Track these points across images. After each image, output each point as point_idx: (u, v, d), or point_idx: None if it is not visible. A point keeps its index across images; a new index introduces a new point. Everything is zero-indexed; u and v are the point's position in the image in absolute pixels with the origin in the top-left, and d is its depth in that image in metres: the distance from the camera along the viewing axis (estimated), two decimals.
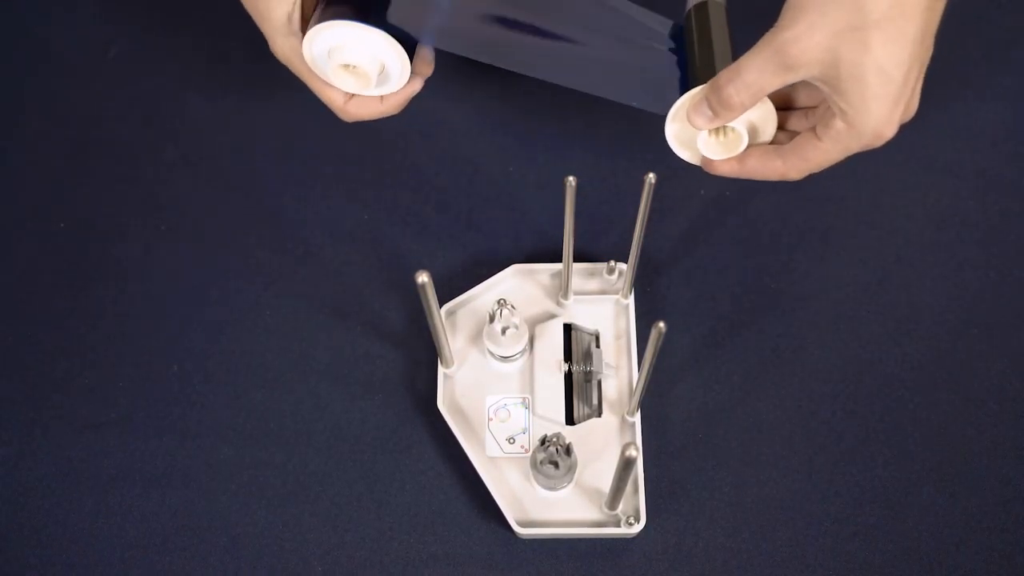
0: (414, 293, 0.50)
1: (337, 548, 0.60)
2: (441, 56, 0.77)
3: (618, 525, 0.58)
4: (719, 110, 0.50)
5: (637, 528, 0.58)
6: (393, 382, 0.64)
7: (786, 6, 0.48)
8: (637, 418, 0.61)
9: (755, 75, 0.48)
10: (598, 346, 0.64)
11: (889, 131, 0.49)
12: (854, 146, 0.51)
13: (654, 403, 0.63)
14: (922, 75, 0.51)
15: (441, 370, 0.62)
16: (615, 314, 0.65)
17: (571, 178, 0.52)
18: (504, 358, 0.62)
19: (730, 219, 0.69)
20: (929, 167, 0.71)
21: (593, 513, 0.59)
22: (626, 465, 0.51)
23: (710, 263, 0.68)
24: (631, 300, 0.65)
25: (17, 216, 0.71)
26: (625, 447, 0.47)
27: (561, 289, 0.65)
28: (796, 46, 0.46)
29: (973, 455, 0.62)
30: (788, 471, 0.61)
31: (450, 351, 0.61)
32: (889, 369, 0.65)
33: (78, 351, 0.66)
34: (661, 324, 0.48)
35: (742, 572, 0.59)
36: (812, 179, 0.71)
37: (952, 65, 0.76)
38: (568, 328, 0.64)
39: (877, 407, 0.63)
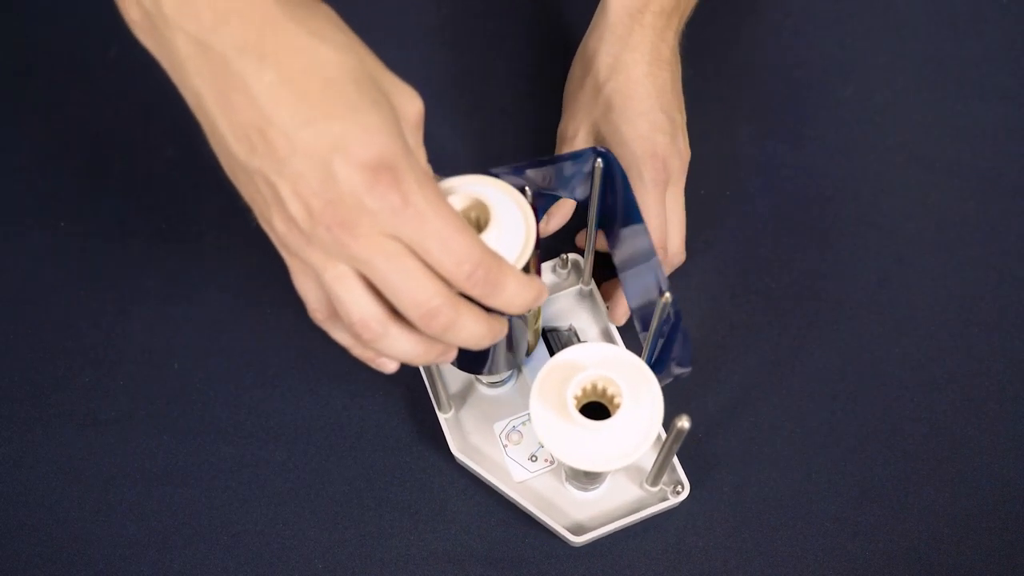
0: None
1: (338, 546, 0.60)
2: (441, 50, 0.77)
3: (665, 498, 0.58)
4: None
5: (684, 495, 0.58)
6: (393, 379, 0.64)
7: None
8: None
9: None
10: (579, 339, 0.64)
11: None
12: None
13: None
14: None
15: (441, 417, 0.61)
16: (579, 303, 0.65)
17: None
18: (494, 384, 0.62)
19: (729, 219, 0.69)
20: (929, 167, 0.71)
21: (635, 494, 0.59)
22: (676, 437, 0.49)
23: (709, 263, 0.68)
24: (592, 285, 0.65)
25: (17, 215, 0.71)
26: (677, 418, 0.47)
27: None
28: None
29: (973, 455, 0.62)
30: (788, 471, 0.62)
31: (446, 395, 0.60)
32: (889, 369, 0.65)
33: (78, 349, 0.66)
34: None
35: (742, 572, 0.59)
36: (811, 179, 0.71)
37: (952, 65, 0.76)
38: (545, 332, 0.63)
39: (877, 407, 0.63)
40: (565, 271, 0.65)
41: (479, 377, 0.61)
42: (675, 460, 0.59)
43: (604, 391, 0.49)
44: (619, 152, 0.60)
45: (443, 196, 0.40)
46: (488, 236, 0.45)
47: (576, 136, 0.64)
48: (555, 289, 0.65)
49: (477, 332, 0.42)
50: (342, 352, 0.65)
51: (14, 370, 0.65)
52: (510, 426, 0.61)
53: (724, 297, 0.67)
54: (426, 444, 0.62)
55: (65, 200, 0.71)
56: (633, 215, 0.53)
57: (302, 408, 0.64)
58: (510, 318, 0.48)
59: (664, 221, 0.61)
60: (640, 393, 0.48)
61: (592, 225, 0.57)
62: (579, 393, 0.48)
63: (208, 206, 0.70)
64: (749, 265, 0.68)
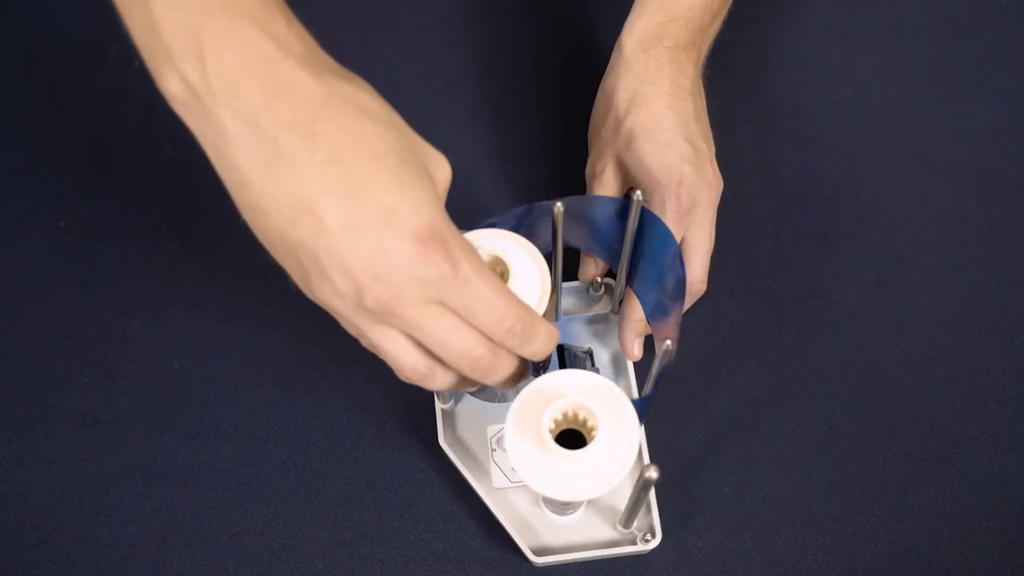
0: None
1: (337, 546, 0.60)
2: (441, 50, 0.77)
3: (634, 543, 0.57)
4: None
5: (654, 544, 0.57)
6: (392, 379, 0.64)
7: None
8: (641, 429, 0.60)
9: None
10: (594, 364, 0.63)
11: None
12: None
13: (653, 404, 0.63)
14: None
15: (438, 406, 0.61)
16: (603, 328, 0.65)
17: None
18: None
19: (729, 219, 0.69)
20: (929, 167, 0.71)
21: (607, 532, 0.58)
22: (644, 486, 0.49)
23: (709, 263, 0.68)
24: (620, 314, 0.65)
25: (17, 215, 0.71)
26: (644, 468, 0.46)
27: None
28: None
29: (973, 455, 0.62)
30: (788, 471, 0.62)
31: None
32: (889, 369, 0.65)
33: (78, 349, 0.66)
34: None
35: (742, 572, 0.59)
36: (811, 179, 0.71)
37: (952, 65, 0.76)
38: (561, 348, 0.63)
39: (877, 407, 0.63)
40: (598, 294, 0.65)
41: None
42: (653, 506, 0.58)
43: (584, 421, 0.49)
44: (643, 182, 0.59)
45: (482, 260, 0.43)
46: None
47: (604, 172, 0.63)
48: (583, 309, 0.65)
49: (511, 372, 0.47)
50: (342, 353, 0.66)
51: (14, 370, 0.65)
52: (503, 433, 0.61)
53: (724, 297, 0.67)
54: (426, 444, 0.62)
55: (65, 200, 0.71)
56: (653, 247, 0.55)
57: (302, 408, 0.64)
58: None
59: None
60: (617, 424, 0.48)
61: (625, 256, 0.57)
62: (559, 417, 0.49)
63: (208, 206, 0.70)
64: (749, 265, 0.68)
